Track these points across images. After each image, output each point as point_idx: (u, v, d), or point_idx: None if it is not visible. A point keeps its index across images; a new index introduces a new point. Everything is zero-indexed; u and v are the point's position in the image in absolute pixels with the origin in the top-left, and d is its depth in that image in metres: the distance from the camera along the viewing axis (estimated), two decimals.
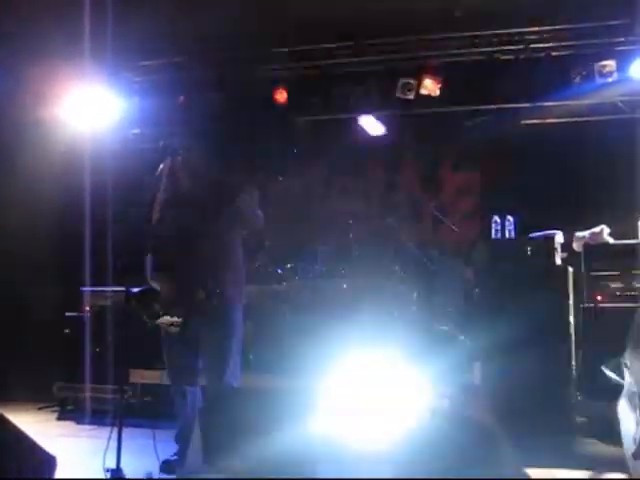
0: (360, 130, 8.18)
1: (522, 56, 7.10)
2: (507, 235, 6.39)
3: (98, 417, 6.04)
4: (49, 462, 3.17)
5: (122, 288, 4.39)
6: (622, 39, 6.74)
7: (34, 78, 7.51)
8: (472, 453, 1.63)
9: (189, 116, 7.24)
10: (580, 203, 6.91)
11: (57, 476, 3.24)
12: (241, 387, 4.63)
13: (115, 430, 4.04)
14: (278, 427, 3.39)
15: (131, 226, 4.34)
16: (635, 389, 4.13)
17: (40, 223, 7.72)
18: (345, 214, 7.37)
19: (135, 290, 4.42)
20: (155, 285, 4.46)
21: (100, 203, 7.04)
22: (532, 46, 7.00)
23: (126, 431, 4.09)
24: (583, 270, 5.91)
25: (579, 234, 6.19)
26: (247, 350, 6.19)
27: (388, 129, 8.17)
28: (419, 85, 7.34)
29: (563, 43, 6.94)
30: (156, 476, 4.36)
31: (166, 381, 4.78)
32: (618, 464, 4.49)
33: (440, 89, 7.36)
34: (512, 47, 7.11)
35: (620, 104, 7.17)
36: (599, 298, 5.82)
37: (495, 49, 7.18)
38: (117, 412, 4.57)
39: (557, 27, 6.87)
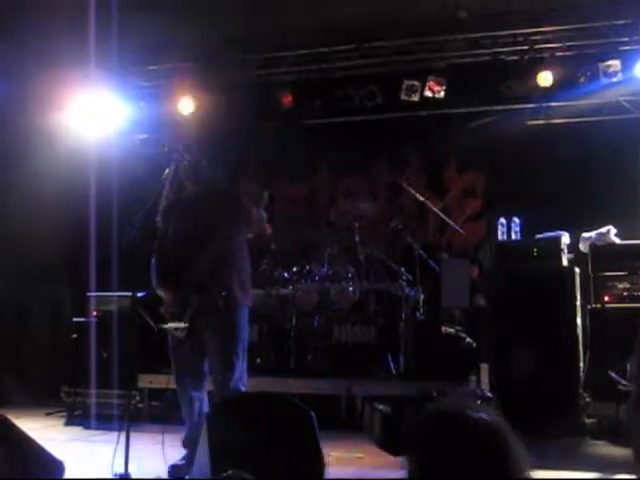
0: (365, 132, 8.19)
1: (527, 57, 7.09)
2: (513, 236, 6.38)
3: (106, 422, 6.04)
4: (56, 467, 3.17)
5: (128, 293, 4.40)
6: (626, 39, 6.72)
7: (40, 83, 7.53)
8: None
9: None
10: (586, 204, 6.89)
11: None
12: (248, 391, 4.63)
13: (123, 435, 4.04)
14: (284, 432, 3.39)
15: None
16: None
17: (46, 228, 7.75)
18: (351, 217, 7.36)
19: (140, 295, 4.44)
20: (160, 292, 4.47)
21: (106, 208, 7.06)
22: (536, 47, 6.99)
23: (134, 436, 4.10)
24: (590, 271, 5.89)
25: (586, 235, 6.17)
26: (254, 354, 6.18)
27: (393, 131, 8.18)
28: (423, 87, 7.34)
29: (568, 43, 6.93)
30: None
31: (173, 385, 4.78)
32: (627, 466, 4.47)
33: (445, 90, 7.36)
34: (516, 48, 7.11)
35: (625, 104, 7.15)
36: (606, 299, 5.80)
37: (499, 50, 7.17)
38: (125, 417, 4.58)
39: (561, 27, 6.86)
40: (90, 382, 6.54)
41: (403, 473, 1.70)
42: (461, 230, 7.26)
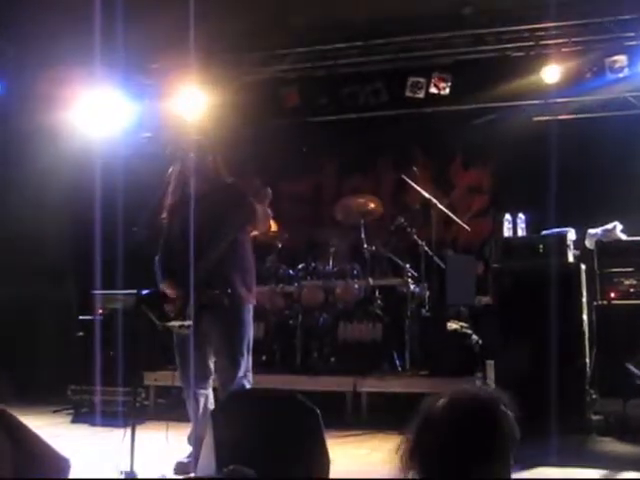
0: (370, 129, 8.19)
1: (532, 53, 7.08)
2: (519, 233, 6.36)
3: (111, 419, 6.05)
4: (63, 465, 3.17)
5: (133, 291, 4.40)
6: (632, 34, 6.70)
7: (45, 82, 7.53)
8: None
9: None
10: (592, 200, 6.87)
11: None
12: (253, 388, 4.63)
13: (128, 432, 4.05)
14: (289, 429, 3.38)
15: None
16: None
17: (51, 226, 7.76)
18: (356, 214, 7.36)
19: (145, 292, 4.44)
20: (166, 288, 4.47)
21: (111, 206, 7.06)
22: (542, 43, 6.97)
23: (139, 433, 4.11)
24: (596, 267, 5.87)
25: (592, 231, 6.15)
26: (259, 351, 6.18)
27: (398, 128, 8.17)
28: (429, 83, 7.33)
29: (573, 39, 6.91)
30: (170, 477, 4.37)
31: (178, 383, 4.78)
32: (634, 463, 4.46)
33: (450, 87, 7.35)
34: (522, 44, 7.09)
35: (632, 99, 7.12)
36: (612, 295, 5.78)
37: (505, 46, 7.16)
38: (130, 414, 4.59)
39: (567, 23, 6.84)
40: (96, 380, 6.56)
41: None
42: (467, 226, 7.24)
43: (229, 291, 4.39)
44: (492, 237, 6.99)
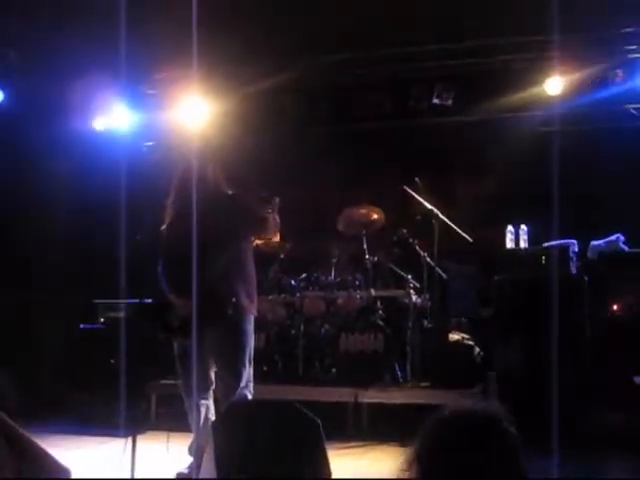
0: (373, 140, 8.20)
1: (535, 64, 7.09)
2: (521, 244, 6.36)
3: (113, 429, 6.02)
4: (63, 475, 3.16)
5: (135, 300, 4.40)
6: (634, 47, 6.71)
7: (49, 92, 7.56)
8: None
9: None
10: (595, 211, 6.86)
11: None
12: (254, 399, 4.62)
13: (129, 442, 4.04)
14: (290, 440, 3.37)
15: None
16: None
17: (55, 234, 7.76)
18: (358, 224, 7.36)
19: (147, 301, 4.44)
20: (171, 298, 4.47)
21: (114, 215, 7.06)
22: (545, 54, 6.98)
23: (140, 443, 4.10)
24: (598, 279, 5.86)
25: (594, 243, 6.15)
26: (260, 361, 6.18)
27: (401, 139, 8.19)
28: (432, 94, 7.35)
29: (576, 51, 6.92)
30: None
31: (180, 393, 4.77)
32: (637, 476, 4.44)
33: (453, 98, 7.36)
34: (525, 55, 7.10)
35: (634, 112, 7.13)
36: (615, 307, 5.77)
37: (508, 58, 7.17)
38: (132, 424, 4.58)
39: (570, 35, 6.84)
40: (98, 389, 6.55)
41: None
42: (469, 238, 7.23)
43: (233, 301, 4.39)
44: (494, 250, 6.97)
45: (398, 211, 8.22)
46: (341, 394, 6.39)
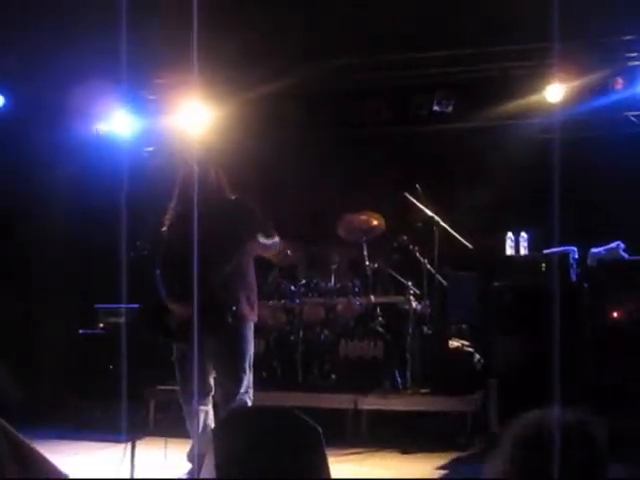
0: (373, 146, 8.22)
1: (535, 71, 7.10)
2: (521, 251, 6.35)
3: (112, 434, 6.00)
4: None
5: (135, 305, 4.40)
6: (635, 54, 6.73)
7: (50, 97, 7.57)
8: None
9: None
10: (595, 219, 6.86)
11: None
12: (254, 405, 4.61)
13: (129, 447, 4.03)
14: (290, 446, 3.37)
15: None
16: None
17: (56, 238, 7.75)
18: (358, 231, 7.35)
19: (147, 307, 4.43)
20: (170, 304, 4.46)
21: (114, 220, 7.06)
22: (545, 61, 6.99)
23: (139, 448, 4.08)
24: (598, 287, 5.85)
25: (594, 250, 6.15)
26: (260, 367, 6.16)
27: (401, 145, 8.20)
28: (432, 101, 7.36)
29: (576, 58, 6.92)
30: None
31: (179, 399, 4.76)
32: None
33: (453, 105, 7.36)
34: (525, 63, 7.11)
35: (634, 119, 7.14)
36: (614, 315, 5.76)
37: (508, 65, 7.18)
38: (131, 429, 4.57)
39: (570, 42, 6.85)
40: (97, 394, 6.54)
41: None
42: (469, 245, 7.23)
43: (234, 308, 4.38)
44: (494, 257, 6.97)
45: (398, 217, 8.22)
46: (341, 400, 6.38)
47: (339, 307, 7.11)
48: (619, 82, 6.83)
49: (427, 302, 6.93)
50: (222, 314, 4.37)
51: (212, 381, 4.62)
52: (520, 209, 7.32)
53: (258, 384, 5.08)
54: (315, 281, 7.25)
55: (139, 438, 4.61)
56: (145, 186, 7.34)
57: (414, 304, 6.86)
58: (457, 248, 7.70)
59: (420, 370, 6.56)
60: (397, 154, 8.26)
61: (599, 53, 6.88)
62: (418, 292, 6.98)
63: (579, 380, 5.60)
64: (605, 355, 5.66)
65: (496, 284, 6.12)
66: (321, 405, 6.25)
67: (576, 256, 6.08)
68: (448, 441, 6.00)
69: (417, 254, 7.02)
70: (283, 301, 7.21)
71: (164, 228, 4.71)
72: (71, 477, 2.97)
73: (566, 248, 6.05)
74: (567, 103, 7.01)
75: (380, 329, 6.77)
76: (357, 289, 7.11)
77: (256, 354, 4.92)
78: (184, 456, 4.70)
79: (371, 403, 6.31)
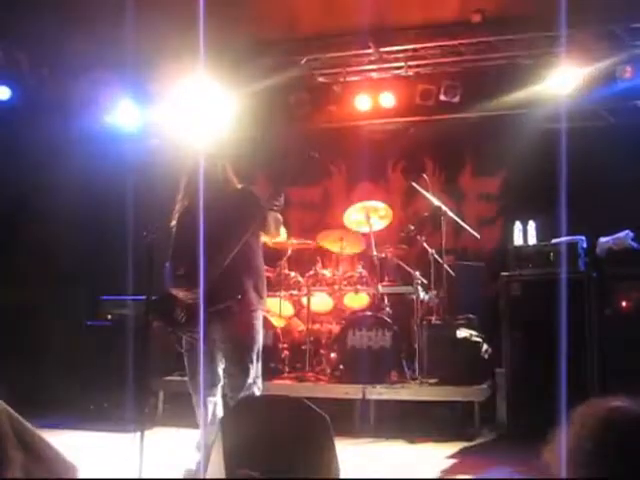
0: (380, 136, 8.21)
1: (542, 60, 7.06)
2: (530, 241, 6.34)
3: (120, 425, 6.02)
4: (70, 471, 3.16)
5: (142, 296, 4.39)
6: None
7: (57, 90, 7.57)
8: None
9: None
10: (603, 208, 6.83)
11: None
12: (263, 395, 4.62)
13: (137, 438, 4.04)
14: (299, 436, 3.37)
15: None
16: None
17: (62, 231, 7.76)
18: (366, 220, 7.34)
19: (154, 298, 4.42)
20: (175, 291, 4.45)
21: (121, 212, 7.08)
22: (552, 50, 6.95)
23: (148, 439, 4.09)
24: (607, 276, 5.83)
25: (603, 239, 6.12)
26: (268, 358, 6.17)
27: (408, 135, 8.19)
28: (439, 91, 7.34)
29: (583, 47, 6.88)
30: None
31: (188, 389, 4.77)
32: None
33: (460, 95, 7.34)
34: (532, 52, 7.07)
35: None
36: (623, 304, 5.75)
37: (515, 54, 7.14)
38: (139, 420, 4.58)
39: (576, 31, 6.81)
40: (105, 385, 6.56)
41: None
42: (477, 234, 7.22)
43: (239, 297, 4.38)
44: (502, 246, 6.96)
45: (405, 207, 8.22)
46: (348, 391, 6.39)
47: (347, 297, 7.12)
48: (628, 70, 6.79)
49: (435, 292, 6.92)
50: (229, 304, 4.36)
51: (221, 372, 4.62)
52: (528, 198, 7.29)
53: (266, 374, 5.09)
54: (322, 271, 7.25)
55: (148, 428, 4.63)
56: (151, 177, 7.36)
57: (422, 294, 6.86)
58: (465, 237, 7.70)
59: (428, 360, 6.55)
60: (404, 144, 8.26)
61: (607, 41, 6.83)
62: (425, 282, 6.97)
63: (587, 369, 5.60)
64: (614, 344, 5.65)
65: (504, 274, 6.11)
66: (329, 395, 6.26)
67: (585, 245, 6.06)
68: (456, 431, 6.00)
69: (424, 244, 7.01)
70: (290, 291, 7.22)
71: (173, 222, 4.71)
72: (79, 467, 2.97)
73: (574, 237, 6.03)
74: (575, 92, 6.97)
75: (388, 319, 6.77)
76: (365, 279, 7.11)
77: (264, 345, 4.92)
78: (193, 446, 4.71)
79: (379, 393, 6.32)
